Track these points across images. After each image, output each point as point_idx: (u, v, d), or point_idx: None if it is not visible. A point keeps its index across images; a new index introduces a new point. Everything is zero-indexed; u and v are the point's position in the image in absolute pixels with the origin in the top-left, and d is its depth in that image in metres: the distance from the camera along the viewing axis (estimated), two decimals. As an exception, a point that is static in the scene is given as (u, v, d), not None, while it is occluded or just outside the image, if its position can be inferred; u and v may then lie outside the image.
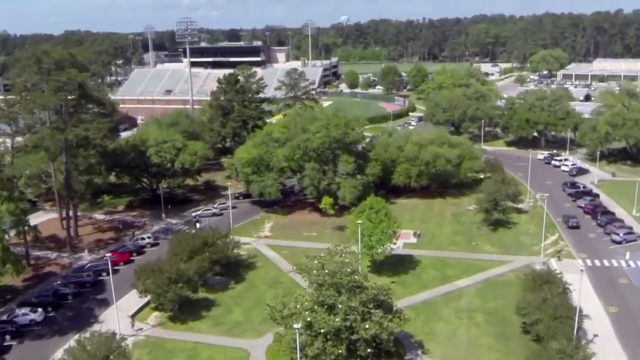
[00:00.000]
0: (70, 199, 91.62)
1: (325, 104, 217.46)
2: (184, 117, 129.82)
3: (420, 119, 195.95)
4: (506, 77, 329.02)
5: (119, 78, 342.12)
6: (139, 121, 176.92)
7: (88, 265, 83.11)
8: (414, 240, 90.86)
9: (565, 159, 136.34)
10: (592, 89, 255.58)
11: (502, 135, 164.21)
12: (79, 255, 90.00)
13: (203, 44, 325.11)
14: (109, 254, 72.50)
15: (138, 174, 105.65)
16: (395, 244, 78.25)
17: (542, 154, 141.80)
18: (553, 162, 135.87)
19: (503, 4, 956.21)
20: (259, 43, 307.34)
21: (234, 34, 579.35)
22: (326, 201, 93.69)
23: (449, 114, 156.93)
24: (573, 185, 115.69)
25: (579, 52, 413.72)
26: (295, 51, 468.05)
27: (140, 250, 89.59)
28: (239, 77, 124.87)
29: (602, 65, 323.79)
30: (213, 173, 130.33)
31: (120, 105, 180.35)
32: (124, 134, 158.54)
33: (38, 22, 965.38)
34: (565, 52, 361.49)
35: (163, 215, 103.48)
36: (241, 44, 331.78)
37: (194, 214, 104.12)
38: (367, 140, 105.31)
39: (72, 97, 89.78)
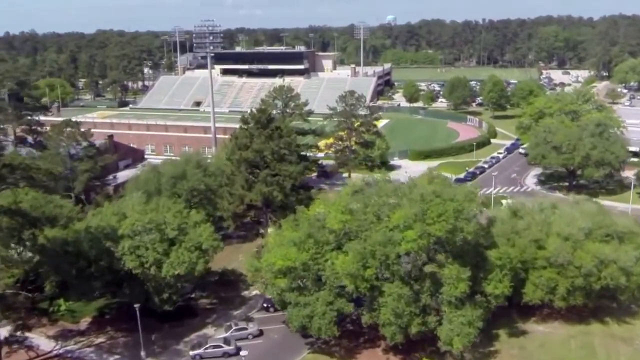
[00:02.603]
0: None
1: (381, 123, 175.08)
2: (193, 167, 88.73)
3: (508, 150, 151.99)
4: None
5: (148, 83, 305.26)
6: (147, 153, 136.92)
7: None
8: None
9: None
10: None
11: (628, 179, 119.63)
12: None
13: (239, 49, 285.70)
14: None
15: (99, 287, 64.17)
16: None
17: None
18: None
19: (569, 5, 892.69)
20: (302, 48, 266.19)
21: (275, 35, 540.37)
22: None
23: (566, 157, 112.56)
24: None
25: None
26: (341, 53, 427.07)
27: None
28: (271, 113, 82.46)
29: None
30: (234, 247, 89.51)
31: (127, 131, 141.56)
32: (124, 174, 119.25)
33: (80, 20, 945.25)
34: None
35: (142, 354, 62.21)
36: (282, 49, 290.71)
37: (191, 354, 62.68)
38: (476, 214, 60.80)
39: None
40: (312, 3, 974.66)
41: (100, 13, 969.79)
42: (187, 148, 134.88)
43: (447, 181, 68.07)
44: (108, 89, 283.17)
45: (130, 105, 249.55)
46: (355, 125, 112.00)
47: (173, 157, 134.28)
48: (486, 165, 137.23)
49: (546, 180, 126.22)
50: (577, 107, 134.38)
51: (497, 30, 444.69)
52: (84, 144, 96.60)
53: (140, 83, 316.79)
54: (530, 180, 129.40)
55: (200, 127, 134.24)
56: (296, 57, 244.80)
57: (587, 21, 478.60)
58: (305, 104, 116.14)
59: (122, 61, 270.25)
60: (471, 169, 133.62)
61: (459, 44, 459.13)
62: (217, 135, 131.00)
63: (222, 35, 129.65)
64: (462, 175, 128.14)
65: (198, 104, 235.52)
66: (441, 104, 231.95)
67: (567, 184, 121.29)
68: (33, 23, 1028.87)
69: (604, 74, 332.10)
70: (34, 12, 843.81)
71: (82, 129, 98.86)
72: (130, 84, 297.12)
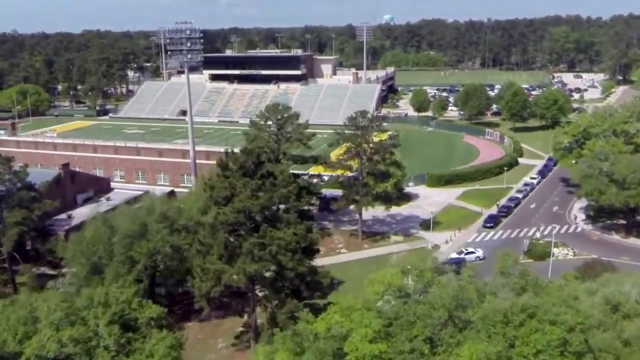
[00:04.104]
0: None
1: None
2: (156, 219, 65.95)
3: (541, 174, 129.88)
4: (607, 95, 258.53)
5: (133, 87, 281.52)
6: (115, 179, 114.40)
7: None
8: None
9: None
10: None
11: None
12: None
13: (229, 52, 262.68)
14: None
15: None
16: None
17: None
18: None
19: (572, 4, 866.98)
20: (299, 51, 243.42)
21: (270, 35, 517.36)
22: None
23: (630, 193, 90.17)
24: None
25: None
26: (339, 55, 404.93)
27: None
28: (260, 154, 58.30)
29: None
30: (212, 327, 67.29)
31: (92, 154, 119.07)
32: (82, 211, 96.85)
33: (74, 20, 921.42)
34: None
35: None
36: (277, 52, 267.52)
37: None
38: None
39: None
40: (307, 2, 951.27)
41: (93, 13, 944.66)
42: (162, 175, 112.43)
43: (530, 272, 45.19)
44: (89, 94, 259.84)
45: (110, 114, 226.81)
46: (368, 152, 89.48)
47: (146, 186, 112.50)
48: (520, 195, 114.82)
49: (596, 215, 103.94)
50: (629, 127, 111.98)
51: (503, 30, 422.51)
52: (18, 185, 73.76)
53: (124, 87, 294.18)
54: (576, 213, 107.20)
55: (177, 150, 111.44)
56: (292, 62, 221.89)
57: (596, 21, 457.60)
58: (306, 126, 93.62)
59: (101, 65, 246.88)
60: (503, 201, 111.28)
61: (463, 45, 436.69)
62: (198, 161, 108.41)
63: (202, 40, 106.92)
64: (494, 210, 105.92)
65: (184, 113, 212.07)
66: (451, 112, 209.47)
67: (624, 221, 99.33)
68: (23, 24, 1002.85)
69: (619, 77, 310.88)
70: (25, 11, 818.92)
71: (40, 155, 76.60)
72: (112, 89, 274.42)
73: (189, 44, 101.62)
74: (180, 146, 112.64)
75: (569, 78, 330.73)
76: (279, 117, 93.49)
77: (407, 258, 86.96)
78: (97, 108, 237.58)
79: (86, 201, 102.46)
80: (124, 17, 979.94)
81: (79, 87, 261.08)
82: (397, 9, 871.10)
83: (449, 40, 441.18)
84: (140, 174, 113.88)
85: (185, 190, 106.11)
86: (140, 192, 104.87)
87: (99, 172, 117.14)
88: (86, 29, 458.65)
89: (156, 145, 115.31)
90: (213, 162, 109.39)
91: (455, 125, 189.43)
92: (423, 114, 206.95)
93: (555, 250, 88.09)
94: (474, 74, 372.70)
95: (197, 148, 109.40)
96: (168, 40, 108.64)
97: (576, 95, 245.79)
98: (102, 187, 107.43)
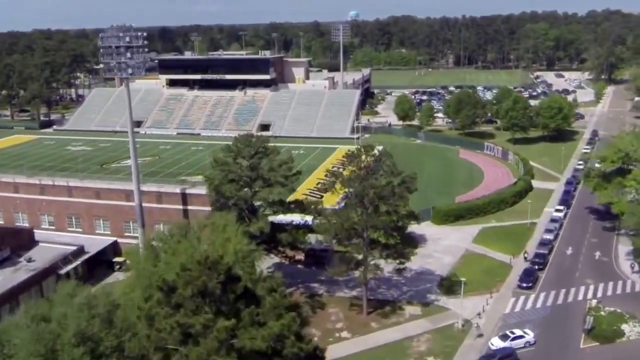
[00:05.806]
0: None
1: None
2: (72, 341, 41.68)
3: (565, 203, 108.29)
4: (600, 98, 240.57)
5: (84, 93, 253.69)
6: (42, 227, 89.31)
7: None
8: None
9: None
10: None
11: None
12: None
13: (189, 54, 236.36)
14: None
15: None
16: None
17: None
18: None
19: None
20: (267, 53, 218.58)
21: (233, 33, 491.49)
22: None
23: None
24: None
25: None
26: (306, 53, 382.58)
27: None
28: (232, 267, 33.68)
29: None
30: None
31: (13, 194, 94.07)
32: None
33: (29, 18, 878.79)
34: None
35: None
36: (242, 54, 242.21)
37: None
38: None
39: None
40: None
41: (50, 10, 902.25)
42: (101, 222, 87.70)
43: None
44: (31, 102, 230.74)
45: (55, 127, 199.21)
46: (376, 201, 66.31)
47: (81, 236, 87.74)
48: (550, 236, 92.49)
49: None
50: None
51: (478, 27, 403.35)
52: None
53: (73, 93, 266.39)
54: (624, 261, 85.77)
55: (119, 190, 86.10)
56: (261, 65, 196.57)
57: (573, 17, 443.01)
58: (290, 166, 69.80)
59: (44, 71, 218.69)
60: (533, 246, 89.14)
61: (436, 43, 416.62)
62: (147, 204, 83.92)
63: (146, 48, 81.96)
64: (527, 263, 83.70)
65: (138, 124, 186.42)
66: (439, 118, 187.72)
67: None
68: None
69: (603, 77, 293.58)
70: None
71: None
72: (58, 96, 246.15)
73: (128, 54, 76.99)
74: (122, 185, 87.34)
75: (550, 77, 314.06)
76: (253, 151, 69.52)
77: (434, 346, 64.39)
78: (41, 118, 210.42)
79: (2, 262, 77.63)
80: (86, 13, 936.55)
81: (22, 93, 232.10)
82: (362, 5, 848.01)
83: (421, 38, 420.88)
84: (73, 220, 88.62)
85: (132, 241, 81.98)
86: (72, 249, 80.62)
87: (22, 217, 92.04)
88: (37, 27, 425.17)
89: (92, 183, 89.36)
90: (166, 205, 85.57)
91: (447, 137, 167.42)
92: (408, 122, 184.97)
93: (626, 327, 66.53)
94: (450, 74, 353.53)
95: (145, 188, 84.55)
96: (100, 50, 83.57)
97: (569, 98, 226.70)
98: (22, 241, 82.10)
